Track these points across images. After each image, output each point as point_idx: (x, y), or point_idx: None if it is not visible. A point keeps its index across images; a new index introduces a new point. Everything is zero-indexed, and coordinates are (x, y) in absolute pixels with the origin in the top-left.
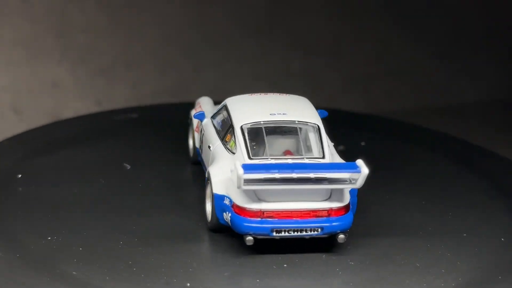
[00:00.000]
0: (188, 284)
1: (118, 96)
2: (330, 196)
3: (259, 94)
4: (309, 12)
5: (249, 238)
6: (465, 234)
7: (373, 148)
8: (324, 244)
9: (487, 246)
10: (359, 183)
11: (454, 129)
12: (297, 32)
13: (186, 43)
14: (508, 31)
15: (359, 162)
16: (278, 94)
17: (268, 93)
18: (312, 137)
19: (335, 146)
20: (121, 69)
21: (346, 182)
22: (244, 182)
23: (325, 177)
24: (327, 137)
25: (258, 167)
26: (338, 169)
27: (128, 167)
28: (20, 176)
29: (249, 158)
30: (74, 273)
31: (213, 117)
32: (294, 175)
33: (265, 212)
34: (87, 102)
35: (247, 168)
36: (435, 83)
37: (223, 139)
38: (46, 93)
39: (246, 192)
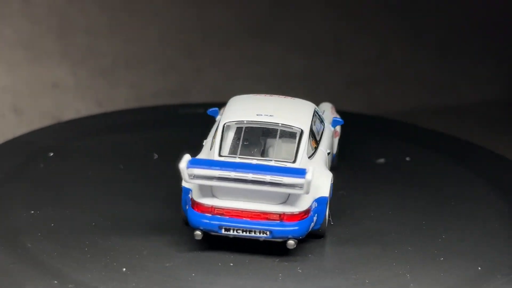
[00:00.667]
0: (124, 269)
1: (118, 97)
2: (286, 200)
3: (264, 95)
4: (309, 13)
5: (197, 232)
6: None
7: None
8: (289, 249)
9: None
10: (305, 189)
11: (454, 129)
12: (298, 33)
13: (187, 44)
14: (508, 32)
15: (309, 169)
16: (283, 96)
17: (273, 95)
18: (291, 142)
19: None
20: (122, 70)
21: (291, 187)
22: (190, 177)
23: (263, 180)
24: (325, 144)
25: (202, 163)
26: (281, 172)
27: (156, 156)
28: (52, 154)
29: (219, 155)
30: (29, 245)
31: (220, 114)
32: (233, 174)
33: (216, 209)
34: (88, 103)
35: (192, 162)
36: (435, 83)
37: (213, 135)
38: (46, 93)
39: (203, 188)
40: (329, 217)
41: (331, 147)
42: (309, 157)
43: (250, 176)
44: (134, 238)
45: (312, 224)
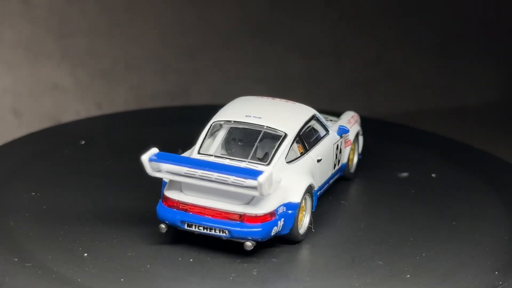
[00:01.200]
0: (86, 254)
1: (118, 98)
2: (250, 202)
3: (268, 98)
4: (309, 15)
5: (162, 226)
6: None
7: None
8: (256, 251)
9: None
10: (259, 191)
11: (454, 131)
12: (298, 35)
13: (186, 46)
14: (508, 34)
15: (266, 170)
16: (284, 100)
17: (276, 99)
18: (272, 144)
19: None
20: (121, 72)
21: (251, 189)
22: (154, 170)
23: (226, 180)
24: (319, 151)
25: (165, 157)
26: (234, 172)
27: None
28: (83, 142)
29: (198, 152)
30: (12, 223)
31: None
32: (199, 173)
33: (181, 204)
34: (87, 105)
35: (157, 156)
36: (435, 86)
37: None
38: (46, 95)
39: (174, 183)
40: (310, 224)
41: (331, 155)
42: (289, 162)
43: (214, 175)
44: (112, 227)
45: (276, 229)
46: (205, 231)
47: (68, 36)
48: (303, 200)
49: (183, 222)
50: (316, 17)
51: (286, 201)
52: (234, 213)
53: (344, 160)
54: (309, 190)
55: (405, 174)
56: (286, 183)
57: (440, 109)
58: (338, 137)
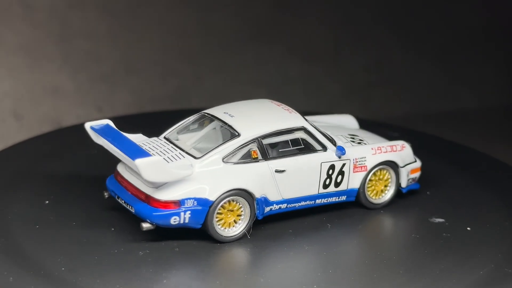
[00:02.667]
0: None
1: (118, 102)
2: (161, 187)
3: (271, 101)
4: (309, 20)
5: (105, 193)
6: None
7: None
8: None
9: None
10: (140, 173)
11: (452, 135)
12: (297, 39)
13: (187, 50)
14: (508, 38)
15: (155, 155)
16: (289, 111)
17: (280, 104)
18: (221, 140)
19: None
20: (122, 75)
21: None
22: (95, 137)
23: (118, 153)
24: (285, 164)
25: (101, 131)
26: (126, 151)
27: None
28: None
29: (164, 136)
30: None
31: None
32: (111, 147)
33: (118, 176)
34: (88, 108)
35: (95, 126)
36: (433, 89)
37: None
38: (47, 99)
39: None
40: (248, 231)
41: (314, 173)
42: (229, 162)
43: (118, 152)
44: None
45: (178, 219)
46: (121, 203)
47: (68, 40)
48: (231, 202)
49: (113, 192)
50: (316, 21)
51: (198, 195)
52: (142, 193)
53: (353, 185)
54: (242, 195)
55: (439, 220)
56: (210, 180)
57: (439, 112)
58: (337, 157)
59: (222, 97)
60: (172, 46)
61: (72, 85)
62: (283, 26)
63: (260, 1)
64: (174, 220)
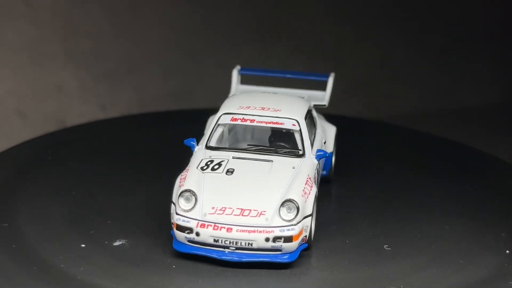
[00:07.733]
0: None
1: (121, 100)
2: None
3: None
4: (311, 17)
5: None
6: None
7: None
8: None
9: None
10: None
11: (455, 133)
12: (300, 37)
13: (190, 48)
14: (509, 35)
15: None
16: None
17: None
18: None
19: None
20: (126, 74)
21: None
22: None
23: None
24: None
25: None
26: None
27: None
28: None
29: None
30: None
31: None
32: None
33: None
34: (91, 106)
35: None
36: (436, 88)
37: None
38: (50, 97)
39: None
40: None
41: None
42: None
43: None
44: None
45: None
46: None
47: (72, 38)
48: None
49: None
50: (319, 19)
51: None
52: None
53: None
54: None
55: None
56: None
57: (441, 110)
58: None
59: (226, 95)
60: (175, 44)
61: (75, 83)
62: (286, 23)
63: None
64: None
